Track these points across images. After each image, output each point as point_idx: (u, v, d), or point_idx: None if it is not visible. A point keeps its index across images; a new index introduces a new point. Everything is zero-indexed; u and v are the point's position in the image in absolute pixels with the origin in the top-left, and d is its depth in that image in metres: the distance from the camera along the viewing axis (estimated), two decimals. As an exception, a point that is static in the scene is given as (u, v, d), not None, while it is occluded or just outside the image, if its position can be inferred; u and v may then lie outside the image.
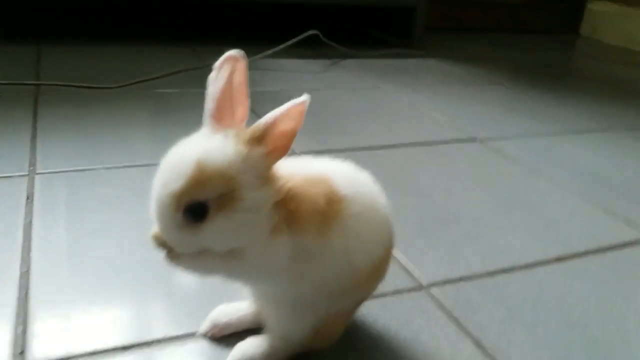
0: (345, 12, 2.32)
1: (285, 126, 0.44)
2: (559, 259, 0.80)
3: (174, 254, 0.47)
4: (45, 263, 0.68)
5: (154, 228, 0.47)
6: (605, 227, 0.91)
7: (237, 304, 0.61)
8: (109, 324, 0.59)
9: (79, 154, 0.96)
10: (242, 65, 0.47)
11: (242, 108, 0.47)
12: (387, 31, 2.20)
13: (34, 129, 1.05)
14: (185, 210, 0.43)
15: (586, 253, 0.82)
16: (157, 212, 0.45)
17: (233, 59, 0.47)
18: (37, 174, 0.88)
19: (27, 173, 0.88)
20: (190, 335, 0.59)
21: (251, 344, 0.55)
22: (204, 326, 0.59)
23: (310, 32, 1.69)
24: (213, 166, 0.43)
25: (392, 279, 0.69)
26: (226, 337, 0.59)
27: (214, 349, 0.57)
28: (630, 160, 1.22)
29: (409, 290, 0.70)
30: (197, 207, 0.43)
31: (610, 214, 0.95)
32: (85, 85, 1.29)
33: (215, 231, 0.44)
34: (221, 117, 0.47)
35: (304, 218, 0.47)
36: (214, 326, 0.58)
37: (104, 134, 1.06)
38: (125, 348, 0.56)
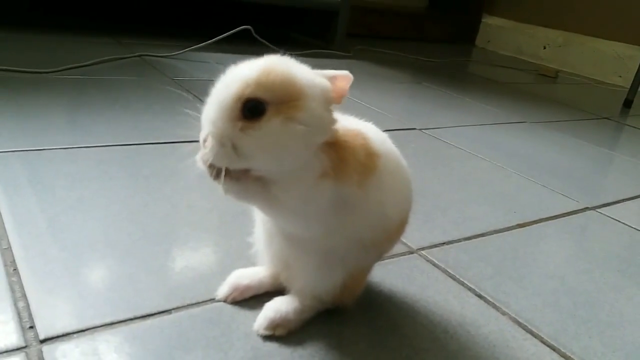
0: (275, 15, 2.33)
1: (340, 84, 0.47)
2: (520, 225, 0.87)
3: (219, 174, 0.45)
4: (27, 239, 0.62)
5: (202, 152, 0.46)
6: (549, 199, 1.00)
7: (252, 268, 0.60)
8: (114, 296, 0.55)
9: (28, 135, 0.88)
10: None
11: None
12: (310, 34, 2.24)
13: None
14: (244, 104, 0.43)
15: (540, 220, 0.90)
16: (216, 103, 0.44)
17: None
18: (-14, 154, 0.80)
19: (-28, 153, 0.79)
20: (209, 301, 0.57)
21: (282, 302, 0.54)
22: (223, 290, 0.57)
23: (243, 27, 1.69)
24: (281, 70, 0.44)
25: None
26: (241, 302, 0.57)
27: (235, 311, 0.56)
28: (548, 145, 1.36)
29: (402, 254, 0.73)
30: (256, 104, 0.43)
31: (549, 189, 1.05)
32: (18, 69, 1.19)
33: (267, 133, 0.43)
34: None
35: (350, 167, 0.48)
36: (235, 289, 0.57)
37: (47, 117, 0.98)
38: (144, 316, 0.53)
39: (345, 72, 0.47)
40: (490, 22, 3.01)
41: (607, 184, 1.18)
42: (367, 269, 0.58)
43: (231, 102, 0.43)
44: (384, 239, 0.54)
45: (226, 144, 0.43)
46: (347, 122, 0.53)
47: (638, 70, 1.92)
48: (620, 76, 2.46)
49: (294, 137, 0.44)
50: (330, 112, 0.47)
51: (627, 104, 1.95)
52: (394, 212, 0.53)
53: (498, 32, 2.96)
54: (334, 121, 0.47)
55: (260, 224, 0.57)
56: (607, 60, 2.52)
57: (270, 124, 0.43)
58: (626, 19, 2.44)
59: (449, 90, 1.81)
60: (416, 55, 2.38)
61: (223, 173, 0.45)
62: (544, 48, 2.75)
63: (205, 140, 0.45)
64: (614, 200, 1.04)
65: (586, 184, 1.13)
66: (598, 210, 0.98)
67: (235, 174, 0.46)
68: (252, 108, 0.43)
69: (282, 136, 0.43)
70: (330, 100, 0.46)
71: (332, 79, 0.47)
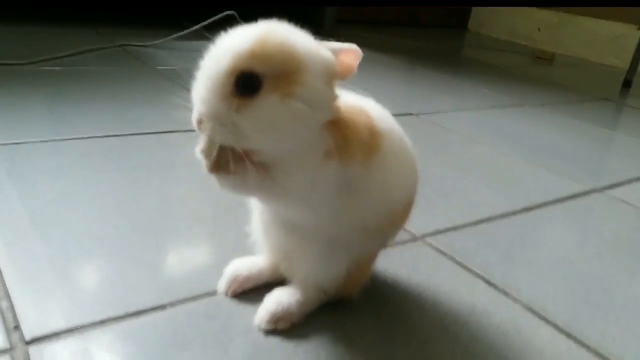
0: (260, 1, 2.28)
1: (347, 59, 0.43)
2: (526, 209, 0.84)
3: (215, 166, 0.42)
4: (8, 235, 0.58)
5: (201, 141, 0.42)
6: (553, 182, 0.97)
7: (250, 257, 0.56)
8: (104, 292, 0.52)
9: (5, 127, 0.85)
10: None
11: None
12: (298, 20, 2.19)
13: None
14: (237, 79, 0.39)
15: (546, 204, 0.87)
16: (207, 79, 0.40)
17: None
18: (-35, 147, 0.76)
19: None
20: (205, 295, 0.53)
21: (283, 294, 0.51)
22: (223, 283, 0.54)
23: (227, 12, 1.64)
24: (278, 40, 0.40)
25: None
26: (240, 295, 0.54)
27: (234, 305, 0.53)
28: (549, 128, 1.33)
29: (406, 241, 0.70)
30: (250, 78, 0.39)
31: (553, 172, 1.02)
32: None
33: (263, 113, 0.39)
34: None
35: (354, 146, 0.45)
36: (233, 281, 0.53)
37: (25, 109, 0.94)
38: (137, 313, 0.50)
39: (353, 46, 0.43)
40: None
41: (611, 165, 1.15)
42: (372, 256, 0.55)
43: (223, 77, 0.39)
44: (389, 223, 0.51)
45: (226, 122, 0.39)
46: (347, 98, 0.49)
47: (636, 49, 1.90)
48: (617, 57, 2.43)
49: (294, 116, 0.40)
50: (332, 87, 0.43)
51: (627, 84, 1.92)
52: (398, 195, 0.50)
53: (490, 15, 2.92)
54: (335, 98, 0.44)
55: (257, 214, 0.54)
56: (603, 40, 2.49)
57: (267, 102, 0.39)
58: (622, -2, 2.41)
59: (444, 75, 1.78)
60: (410, 40, 2.34)
61: (210, 161, 0.42)
62: (539, 30, 2.72)
63: (200, 122, 0.41)
64: (620, 181, 1.02)
65: (590, 166, 1.10)
66: (604, 191, 0.95)
67: (232, 167, 0.42)
68: (246, 83, 0.39)
69: (281, 116, 0.40)
70: (333, 75, 0.43)
71: (337, 52, 0.43)
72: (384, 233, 0.52)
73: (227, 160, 0.42)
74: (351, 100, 0.49)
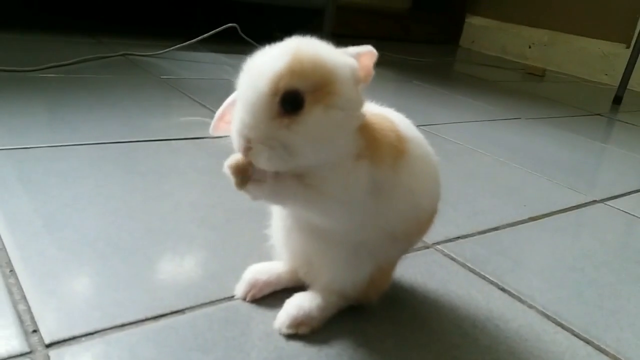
0: (261, 13, 2.29)
1: (365, 62, 0.44)
2: (532, 219, 0.85)
3: (249, 179, 0.42)
4: (22, 239, 0.57)
5: (231, 158, 0.42)
6: (556, 192, 0.98)
7: (268, 263, 0.56)
8: (121, 296, 0.51)
9: (13, 133, 0.84)
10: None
11: None
12: (295, 33, 2.21)
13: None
14: (283, 98, 0.39)
15: (551, 213, 0.88)
16: (250, 105, 0.40)
17: None
18: (-29, 151, 0.75)
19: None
20: (223, 300, 0.53)
21: (304, 299, 0.51)
22: (241, 288, 0.53)
23: (229, 25, 1.65)
24: (310, 54, 0.40)
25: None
26: (258, 300, 0.54)
27: (252, 310, 0.52)
28: (547, 140, 1.34)
29: (419, 249, 0.69)
30: (294, 96, 0.39)
31: (554, 182, 1.03)
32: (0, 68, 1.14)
33: (312, 126, 0.40)
34: None
35: (383, 148, 0.45)
36: (253, 286, 0.53)
37: (32, 115, 0.93)
38: (156, 317, 0.49)
39: (369, 48, 0.44)
40: (474, 22, 3.01)
41: (609, 177, 1.16)
42: (394, 263, 0.55)
43: (267, 99, 0.39)
44: (416, 229, 0.51)
45: (275, 145, 0.40)
46: (369, 107, 0.50)
47: (626, 67, 1.93)
48: (607, 74, 2.48)
49: (338, 125, 0.41)
50: (359, 92, 0.43)
51: (617, 100, 1.96)
52: (424, 200, 0.50)
53: (482, 32, 2.97)
54: (363, 101, 0.44)
55: (277, 219, 0.54)
56: (593, 58, 2.53)
57: (314, 116, 0.40)
58: (611, 17, 2.46)
59: (439, 88, 1.80)
60: (403, 54, 2.36)
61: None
62: (529, 47, 2.76)
63: (248, 149, 0.40)
64: (620, 193, 1.03)
65: (590, 177, 1.11)
66: (606, 202, 0.97)
67: (258, 176, 0.42)
68: (291, 101, 0.39)
69: (327, 126, 0.40)
70: (359, 80, 0.43)
71: (356, 56, 0.44)
72: (410, 239, 0.52)
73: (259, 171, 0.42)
74: (374, 108, 0.49)
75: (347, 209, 0.45)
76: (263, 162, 0.40)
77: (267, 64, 0.40)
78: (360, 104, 0.43)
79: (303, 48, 0.41)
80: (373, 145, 0.44)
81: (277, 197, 0.44)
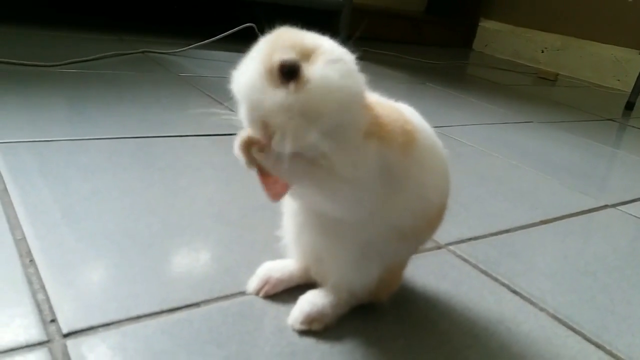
0: (278, 14, 2.31)
1: None
2: (544, 222, 0.85)
3: (263, 150, 0.42)
4: (41, 230, 0.58)
5: (240, 134, 0.43)
6: (567, 196, 0.98)
7: (281, 260, 0.56)
8: (137, 288, 0.52)
9: (35, 126, 0.85)
10: None
11: None
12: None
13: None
14: (280, 69, 0.39)
15: (563, 217, 0.88)
16: (252, 87, 0.40)
17: None
18: (-7, 143, 0.76)
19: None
20: (237, 294, 0.53)
21: (317, 296, 0.51)
22: (254, 284, 0.54)
23: (246, 25, 1.66)
24: (290, 34, 0.42)
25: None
26: (271, 296, 0.54)
27: (266, 305, 0.53)
28: (558, 144, 1.34)
29: (431, 249, 0.70)
30: (289, 63, 0.40)
31: (565, 186, 1.03)
32: (20, 62, 1.16)
33: (317, 77, 0.40)
34: None
35: (393, 130, 0.45)
36: (266, 282, 0.53)
37: (54, 109, 0.94)
38: (172, 310, 0.50)
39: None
40: (488, 26, 3.00)
41: (621, 182, 1.16)
42: (404, 263, 0.55)
43: (266, 76, 0.40)
44: (425, 226, 0.51)
45: (293, 116, 0.39)
46: (380, 99, 0.50)
47: (639, 73, 1.92)
48: (619, 80, 2.46)
49: (343, 73, 0.41)
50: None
51: (629, 106, 1.94)
52: (433, 195, 0.50)
53: (495, 36, 2.96)
54: (362, 76, 0.44)
55: (289, 217, 0.54)
56: (605, 64, 2.52)
57: (317, 70, 0.40)
58: (624, 23, 2.44)
59: (452, 91, 1.80)
60: (416, 57, 2.36)
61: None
62: (542, 52, 2.75)
63: (264, 128, 0.40)
64: (632, 198, 1.03)
65: (601, 182, 1.11)
66: (618, 207, 0.96)
67: (271, 163, 0.43)
68: (289, 68, 0.40)
69: (334, 76, 0.40)
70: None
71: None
72: (419, 237, 0.52)
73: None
74: (384, 101, 0.49)
75: (357, 191, 0.44)
76: (288, 141, 0.40)
77: (253, 54, 0.42)
78: (358, 74, 0.44)
79: (282, 31, 0.43)
80: (382, 125, 0.44)
81: (293, 176, 0.44)
